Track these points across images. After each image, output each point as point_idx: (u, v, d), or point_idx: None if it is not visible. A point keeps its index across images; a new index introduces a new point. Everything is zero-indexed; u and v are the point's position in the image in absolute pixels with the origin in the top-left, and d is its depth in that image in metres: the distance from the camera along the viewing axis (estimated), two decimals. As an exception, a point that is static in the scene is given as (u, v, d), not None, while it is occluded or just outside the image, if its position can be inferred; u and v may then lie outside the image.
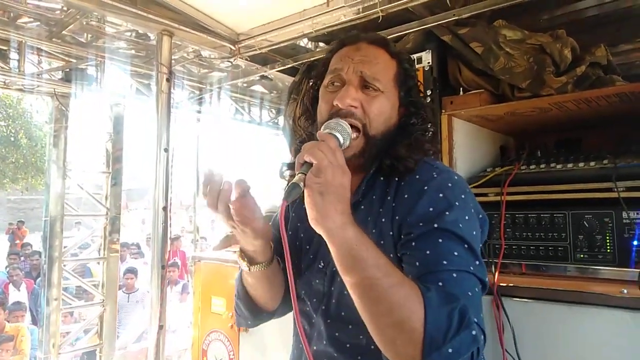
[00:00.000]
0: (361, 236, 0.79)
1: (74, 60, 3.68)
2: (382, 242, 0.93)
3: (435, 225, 0.87)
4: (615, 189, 1.39)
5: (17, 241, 11.71)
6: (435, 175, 0.95)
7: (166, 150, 2.60)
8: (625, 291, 1.27)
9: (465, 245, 0.86)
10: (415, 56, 1.88)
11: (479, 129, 1.95)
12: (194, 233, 6.96)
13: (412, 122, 1.03)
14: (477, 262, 0.87)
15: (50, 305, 3.92)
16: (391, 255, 0.90)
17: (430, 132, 1.07)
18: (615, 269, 1.39)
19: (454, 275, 0.82)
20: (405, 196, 0.95)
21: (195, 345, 2.47)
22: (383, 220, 0.96)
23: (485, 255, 1.58)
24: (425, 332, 0.72)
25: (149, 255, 2.57)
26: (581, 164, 1.53)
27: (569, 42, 1.66)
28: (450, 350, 0.73)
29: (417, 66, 1.87)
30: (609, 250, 1.41)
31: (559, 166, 1.58)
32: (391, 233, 0.95)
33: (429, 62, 1.85)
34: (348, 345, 0.96)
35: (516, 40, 1.72)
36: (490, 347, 1.37)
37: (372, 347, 0.85)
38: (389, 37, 2.07)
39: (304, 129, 1.12)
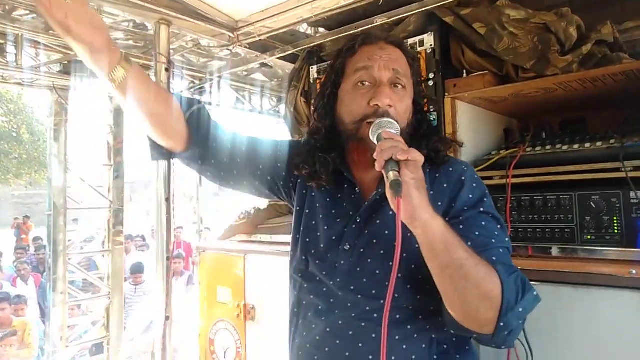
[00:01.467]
0: (445, 223, 0.89)
1: (72, 53, 3.64)
2: None
3: (481, 209, 1.02)
4: (623, 169, 1.37)
5: (23, 236, 11.78)
6: (465, 168, 1.10)
7: (167, 141, 2.57)
8: (634, 272, 1.26)
9: (499, 226, 1.02)
10: (417, 39, 1.85)
11: (482, 112, 1.93)
12: (197, 224, 6.96)
13: (425, 117, 1.18)
14: (507, 239, 1.03)
15: (57, 299, 3.94)
16: None
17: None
18: (623, 249, 1.38)
19: (501, 250, 0.97)
20: (445, 185, 1.07)
21: (202, 335, 2.48)
22: None
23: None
24: (503, 298, 0.86)
25: (154, 247, 2.57)
26: (587, 145, 1.51)
27: (574, 20, 1.62)
28: (520, 310, 0.88)
29: (419, 49, 1.83)
30: (616, 231, 1.39)
31: (564, 147, 1.56)
32: None
33: (431, 45, 1.82)
34: (375, 316, 1.03)
35: (520, 20, 1.69)
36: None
37: (397, 316, 1.00)
38: (389, 19, 2.05)
39: (321, 123, 1.16)
